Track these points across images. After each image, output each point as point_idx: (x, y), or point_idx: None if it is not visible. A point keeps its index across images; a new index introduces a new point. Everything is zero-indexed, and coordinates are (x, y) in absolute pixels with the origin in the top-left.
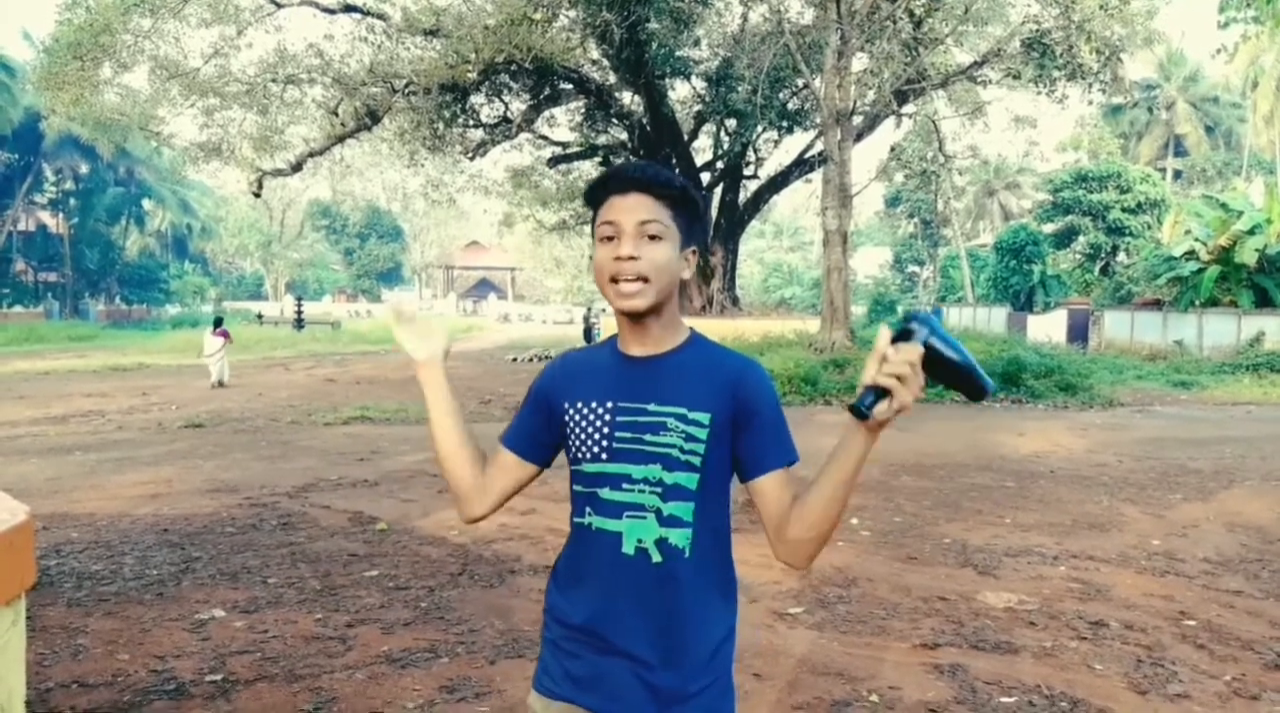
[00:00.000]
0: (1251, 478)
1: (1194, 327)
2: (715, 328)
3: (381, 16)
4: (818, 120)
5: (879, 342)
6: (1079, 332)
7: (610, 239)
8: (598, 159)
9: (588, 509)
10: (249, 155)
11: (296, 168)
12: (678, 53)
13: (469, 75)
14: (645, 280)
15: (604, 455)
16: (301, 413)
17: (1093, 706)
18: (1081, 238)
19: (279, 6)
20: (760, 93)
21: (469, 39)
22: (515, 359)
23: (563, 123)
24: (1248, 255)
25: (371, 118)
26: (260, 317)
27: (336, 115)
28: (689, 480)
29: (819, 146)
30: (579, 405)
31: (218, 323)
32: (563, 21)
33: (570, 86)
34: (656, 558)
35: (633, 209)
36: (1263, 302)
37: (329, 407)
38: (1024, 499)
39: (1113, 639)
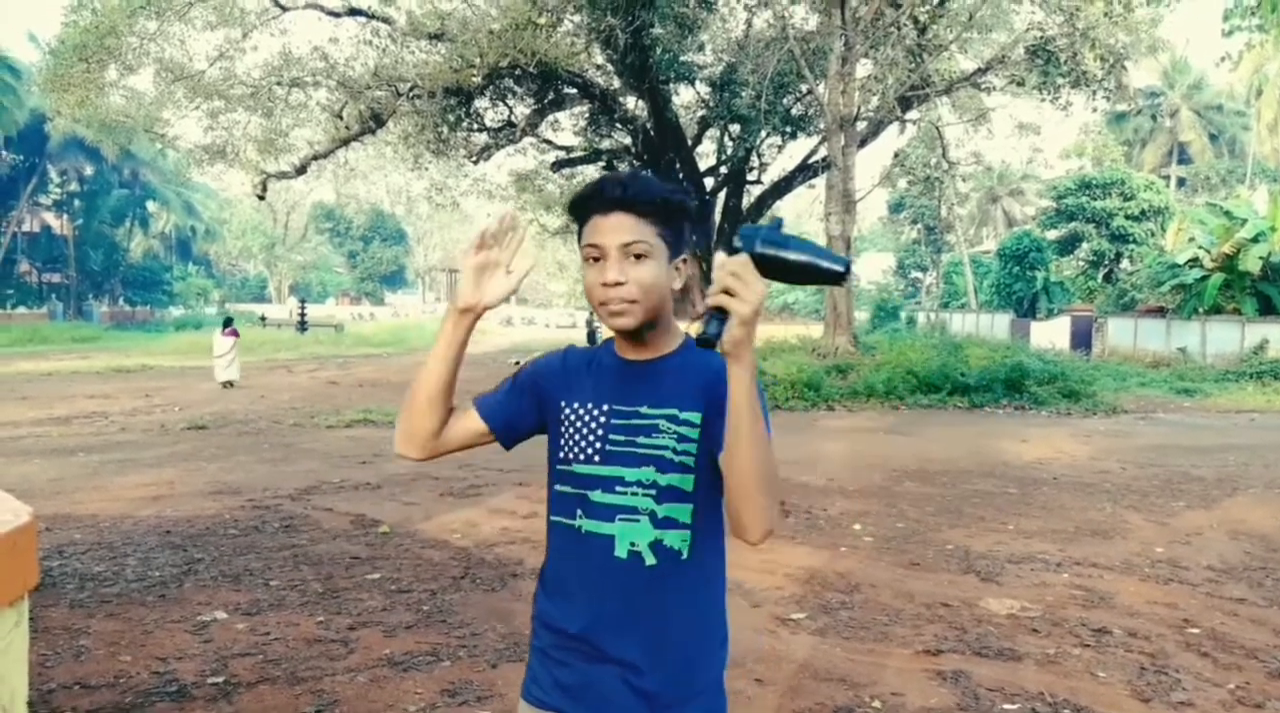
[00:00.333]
0: (1255, 486)
1: (1197, 334)
2: None
3: (386, 20)
4: (821, 126)
5: (715, 266)
6: (1082, 338)
7: (596, 260)
8: (602, 164)
9: (579, 512)
10: (253, 158)
11: (301, 171)
12: (682, 58)
13: (473, 79)
14: (633, 302)
15: (596, 457)
16: (304, 415)
17: None
18: (1085, 245)
19: (284, 9)
20: (764, 98)
21: (473, 43)
22: (517, 362)
23: (567, 127)
24: (1251, 263)
25: (376, 121)
26: (264, 319)
27: (341, 118)
28: (684, 482)
29: (823, 152)
30: (575, 406)
31: (227, 323)
32: (567, 26)
33: (574, 91)
34: (650, 561)
35: (615, 230)
36: (1266, 309)
37: (332, 409)
38: (1027, 506)
39: (1116, 647)
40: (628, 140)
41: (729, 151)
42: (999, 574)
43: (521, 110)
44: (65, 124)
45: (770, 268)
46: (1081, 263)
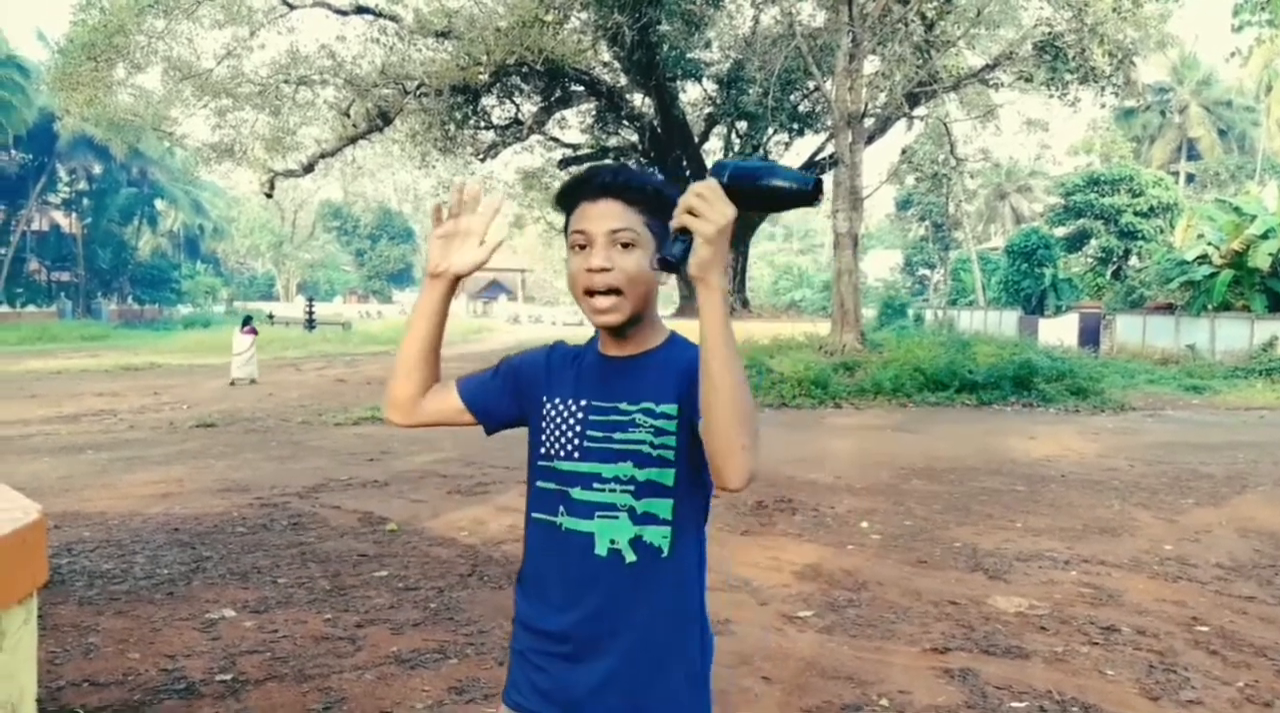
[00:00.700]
0: (1264, 483)
1: (1206, 331)
2: None
3: (394, 18)
4: (829, 123)
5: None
6: (1090, 335)
7: (582, 248)
8: (609, 161)
9: (561, 509)
10: (261, 156)
11: (308, 169)
12: (689, 55)
13: (480, 77)
14: (619, 292)
15: (576, 454)
16: (312, 413)
17: (1104, 711)
18: (1093, 241)
19: (291, 8)
20: (771, 95)
21: (480, 41)
22: None
23: (574, 125)
24: (1261, 260)
25: (383, 119)
26: (271, 317)
27: (348, 116)
28: (664, 476)
29: (830, 149)
30: (556, 401)
31: (246, 321)
32: (574, 23)
33: (581, 88)
34: (630, 558)
35: (603, 217)
36: (1276, 306)
37: (339, 407)
38: (1035, 503)
39: (1124, 645)
40: (634, 138)
41: (736, 148)
42: (1007, 572)
43: (528, 108)
44: (74, 123)
45: (744, 197)
46: (1090, 260)
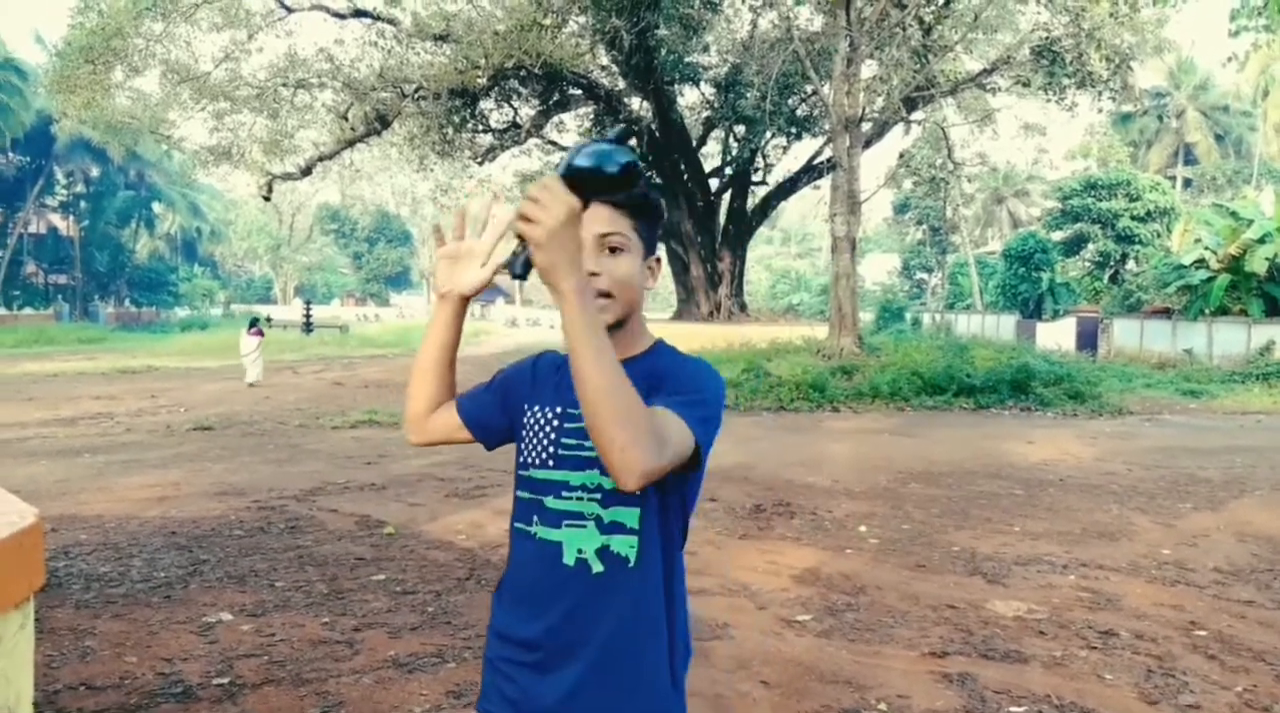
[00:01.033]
0: (1262, 488)
1: (1203, 335)
2: (723, 334)
3: (392, 21)
4: (826, 127)
5: None
6: (1088, 340)
7: None
8: None
9: (534, 518)
10: (259, 159)
11: (306, 172)
12: (687, 59)
13: (478, 80)
14: (609, 296)
15: (550, 462)
16: (309, 416)
17: None
18: (1090, 246)
19: (289, 11)
20: (769, 99)
21: (479, 44)
22: None
23: (572, 128)
24: (1258, 264)
25: (381, 122)
26: (269, 320)
27: (346, 120)
28: None
29: (828, 153)
30: (535, 410)
31: (253, 323)
32: (572, 27)
33: (579, 92)
34: (597, 568)
35: (591, 221)
36: (1273, 311)
37: (337, 410)
38: (1033, 508)
39: (1123, 649)
40: (632, 142)
41: (734, 153)
42: (1005, 576)
43: (526, 112)
44: (71, 126)
45: (583, 185)
46: (1087, 264)
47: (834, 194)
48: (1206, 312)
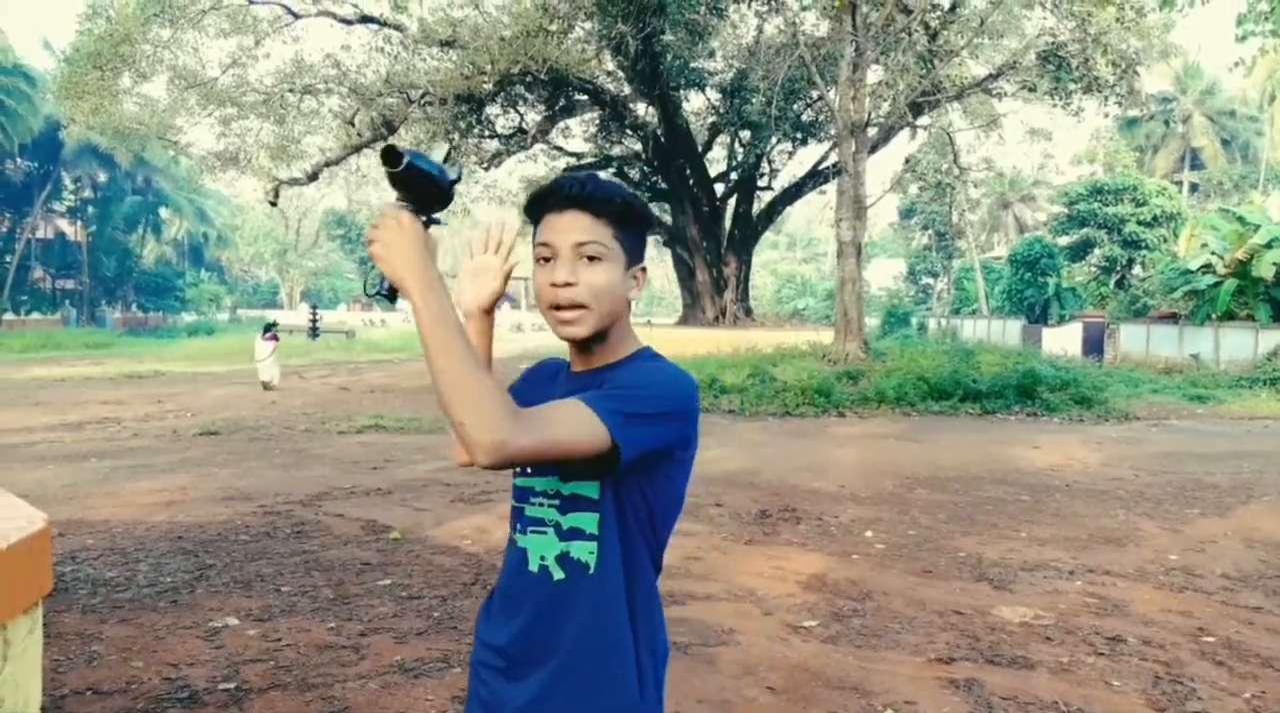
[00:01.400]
0: (1270, 493)
1: (1210, 340)
2: (728, 338)
3: (398, 27)
4: (832, 132)
5: None
6: (1094, 345)
7: (547, 261)
8: (612, 170)
9: (517, 525)
10: (265, 164)
11: (313, 177)
12: (692, 64)
13: (484, 86)
14: (584, 307)
15: (528, 469)
16: (315, 421)
17: None
18: (1097, 251)
19: (296, 17)
20: (775, 104)
21: (485, 50)
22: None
23: (577, 134)
24: (1265, 269)
25: (387, 128)
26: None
27: (353, 125)
28: (589, 490)
29: (833, 158)
30: None
31: (268, 328)
32: (578, 33)
33: (585, 98)
34: (558, 575)
35: (568, 229)
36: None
37: (343, 415)
38: (1039, 513)
39: (1130, 656)
40: (638, 147)
41: (739, 158)
42: (1012, 582)
43: (532, 117)
44: (79, 131)
45: (412, 183)
46: (1093, 269)
47: (840, 199)
48: (1213, 317)
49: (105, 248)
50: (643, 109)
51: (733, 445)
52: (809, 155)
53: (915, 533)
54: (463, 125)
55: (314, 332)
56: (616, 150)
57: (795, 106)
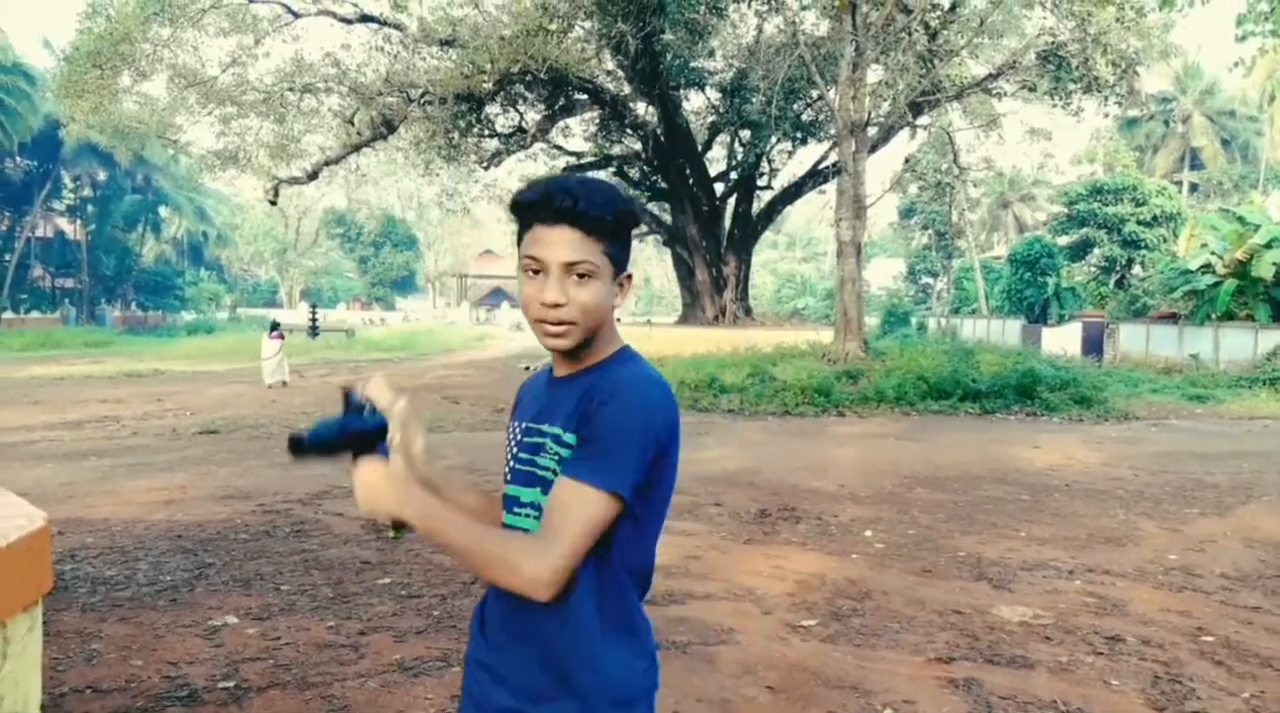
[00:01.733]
0: (1269, 493)
1: (1210, 340)
2: (728, 338)
3: (398, 27)
4: (832, 131)
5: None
6: (1094, 344)
7: (536, 273)
8: (612, 169)
9: None
10: (265, 163)
11: (312, 176)
12: (692, 64)
13: (484, 85)
14: (571, 324)
15: (509, 477)
16: (315, 420)
17: None
18: (1096, 250)
19: (296, 16)
20: (774, 104)
21: (485, 49)
22: (528, 367)
23: (577, 133)
24: (1265, 269)
25: (387, 127)
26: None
27: (352, 124)
28: None
29: (833, 158)
30: (509, 427)
31: (274, 327)
32: (578, 32)
33: (585, 97)
34: None
35: (559, 247)
36: (1279, 316)
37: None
38: (1039, 513)
39: (1129, 655)
40: (638, 146)
41: (739, 157)
42: (1011, 581)
43: (532, 116)
44: (79, 130)
45: (346, 449)
46: (1093, 269)
47: (839, 199)
48: (1213, 317)
49: (105, 246)
50: (642, 108)
51: (732, 445)
52: (809, 155)
53: (915, 532)
54: (462, 124)
55: (313, 330)
56: (616, 150)
57: (795, 106)
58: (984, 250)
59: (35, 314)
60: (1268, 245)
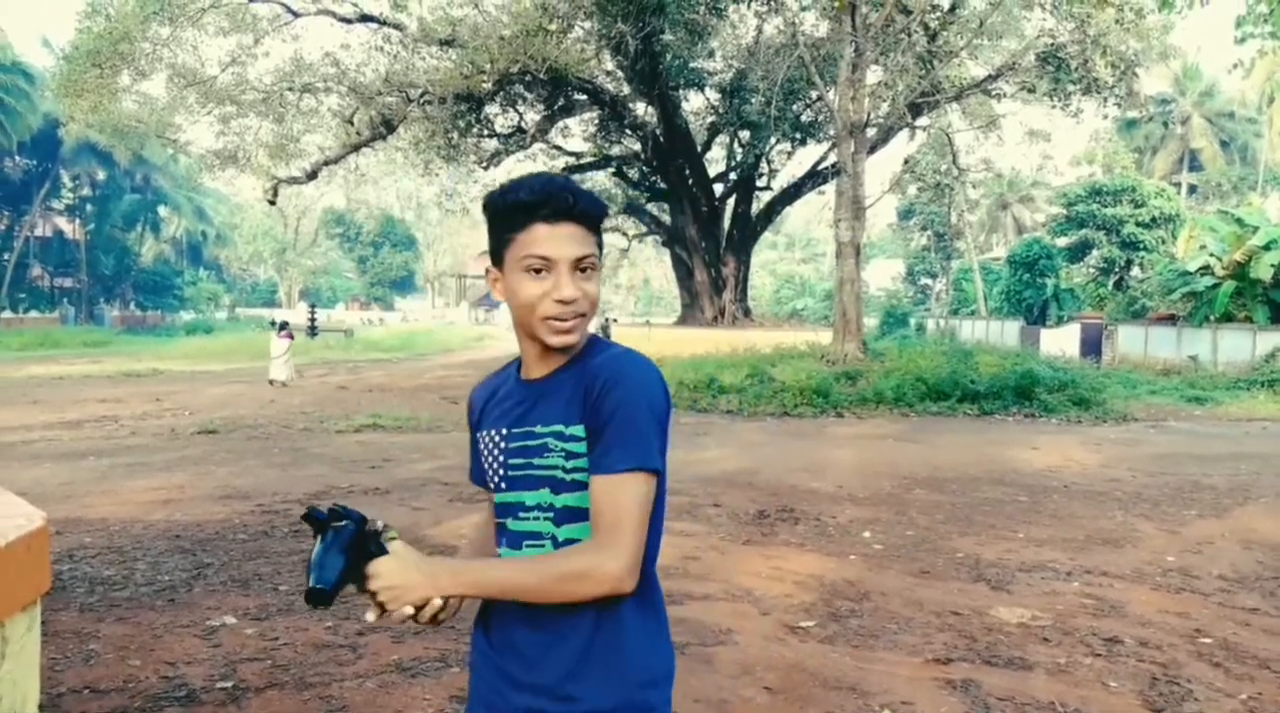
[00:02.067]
0: (1267, 495)
1: (1208, 342)
2: (727, 339)
3: (398, 26)
4: (831, 132)
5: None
6: (1092, 346)
7: (539, 272)
8: (611, 169)
9: (502, 540)
10: (264, 163)
11: (311, 176)
12: (692, 64)
13: (484, 85)
14: (584, 316)
15: (503, 485)
16: (314, 420)
17: None
18: (1095, 252)
19: (296, 15)
20: (774, 104)
21: (484, 49)
22: None
23: (577, 133)
24: (1263, 271)
25: (387, 127)
26: (273, 323)
27: (352, 124)
28: (580, 500)
29: (832, 158)
30: (484, 434)
31: (282, 326)
32: (578, 33)
33: (584, 97)
34: None
35: (567, 243)
36: (1278, 317)
37: (341, 414)
38: (1037, 514)
39: (1127, 657)
40: (637, 146)
41: (739, 158)
42: (1009, 583)
43: (532, 116)
44: (78, 129)
45: (348, 556)
46: (1092, 270)
47: (839, 199)
48: (1211, 318)
49: (104, 246)
50: (642, 109)
51: (731, 445)
52: (808, 155)
53: (913, 533)
54: (462, 124)
55: (312, 330)
56: (616, 150)
57: (794, 107)
58: (983, 252)
59: (34, 314)
60: (1266, 247)
